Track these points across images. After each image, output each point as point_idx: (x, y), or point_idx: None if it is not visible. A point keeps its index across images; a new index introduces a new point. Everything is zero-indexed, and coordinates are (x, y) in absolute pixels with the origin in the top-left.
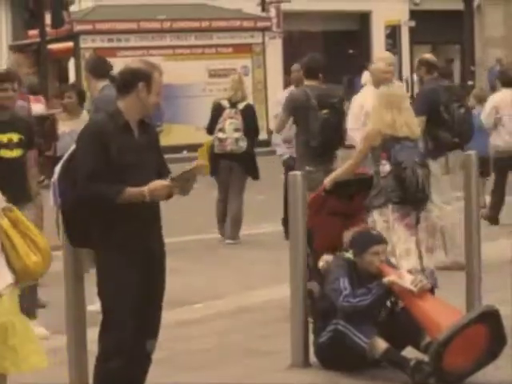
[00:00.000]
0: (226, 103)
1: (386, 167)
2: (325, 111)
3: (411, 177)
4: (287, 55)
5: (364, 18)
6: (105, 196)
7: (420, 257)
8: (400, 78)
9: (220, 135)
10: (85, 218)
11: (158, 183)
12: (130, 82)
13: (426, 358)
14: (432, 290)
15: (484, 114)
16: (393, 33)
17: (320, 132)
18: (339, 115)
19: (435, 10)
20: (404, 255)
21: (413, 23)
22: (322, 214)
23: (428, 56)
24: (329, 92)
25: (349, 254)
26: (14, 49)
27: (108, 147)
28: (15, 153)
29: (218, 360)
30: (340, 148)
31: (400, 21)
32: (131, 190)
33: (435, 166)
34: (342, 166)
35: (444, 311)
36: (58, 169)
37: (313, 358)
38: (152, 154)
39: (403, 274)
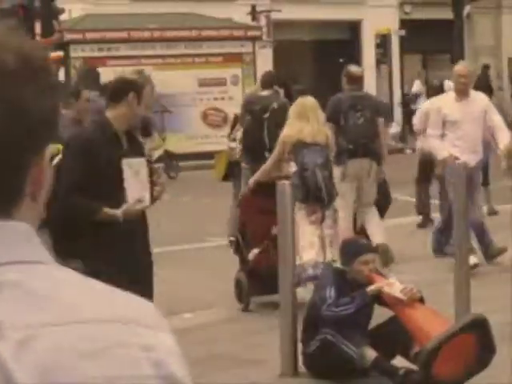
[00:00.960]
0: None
1: (292, 169)
2: (265, 115)
3: (311, 177)
4: (278, 64)
5: (354, 27)
6: (80, 212)
7: (323, 251)
8: (390, 87)
9: (231, 144)
10: (71, 229)
11: (130, 208)
12: (121, 91)
13: (415, 366)
14: (422, 300)
15: (415, 120)
16: (383, 42)
17: (244, 134)
18: (258, 120)
19: (425, 19)
20: (307, 248)
21: (403, 32)
22: (251, 211)
23: (352, 69)
24: (261, 99)
25: (337, 264)
26: None
27: (97, 158)
28: None
29: (208, 369)
30: (266, 149)
31: (390, 30)
32: (107, 212)
33: (336, 171)
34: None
35: (433, 320)
36: None
37: (302, 367)
38: None
39: (393, 282)
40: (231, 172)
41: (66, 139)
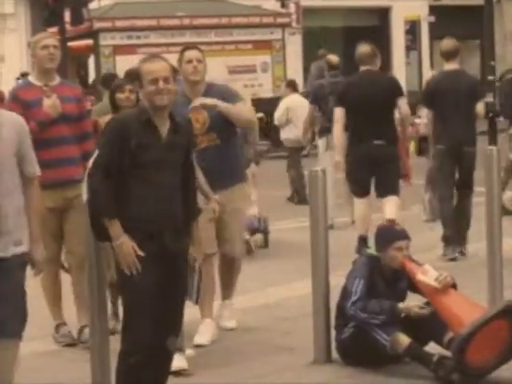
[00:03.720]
0: None
1: None
2: None
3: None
4: (307, 51)
5: (384, 14)
6: (98, 201)
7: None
8: (420, 73)
9: None
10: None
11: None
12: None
13: (448, 353)
14: (454, 286)
15: (278, 114)
16: (412, 28)
17: None
18: None
19: (455, 6)
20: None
21: (432, 18)
22: None
23: (331, 57)
24: None
25: (371, 250)
26: None
27: (129, 143)
28: None
29: (239, 357)
30: None
31: (420, 16)
32: (114, 226)
33: (320, 142)
34: None
35: (467, 307)
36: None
37: (335, 354)
38: (178, 154)
39: (427, 269)
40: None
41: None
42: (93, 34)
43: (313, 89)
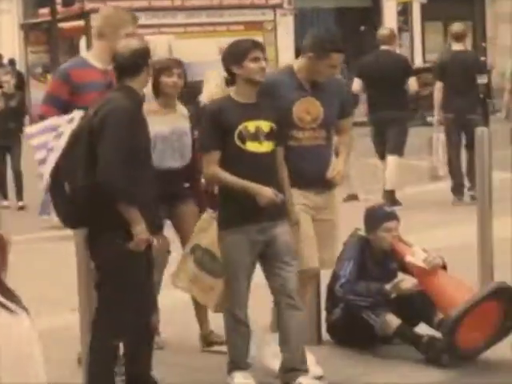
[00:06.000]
0: None
1: None
2: None
3: None
4: (298, 32)
5: None
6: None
7: None
8: (412, 55)
9: None
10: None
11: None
12: (139, 63)
13: (438, 334)
14: (445, 267)
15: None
16: (404, 10)
17: None
18: None
19: None
20: None
21: (424, 0)
22: None
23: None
24: None
25: (361, 232)
26: (25, 28)
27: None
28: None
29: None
30: None
31: None
32: (136, 216)
33: None
34: None
35: (457, 288)
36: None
37: (325, 335)
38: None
39: (416, 250)
40: None
41: None
42: (84, 15)
43: None
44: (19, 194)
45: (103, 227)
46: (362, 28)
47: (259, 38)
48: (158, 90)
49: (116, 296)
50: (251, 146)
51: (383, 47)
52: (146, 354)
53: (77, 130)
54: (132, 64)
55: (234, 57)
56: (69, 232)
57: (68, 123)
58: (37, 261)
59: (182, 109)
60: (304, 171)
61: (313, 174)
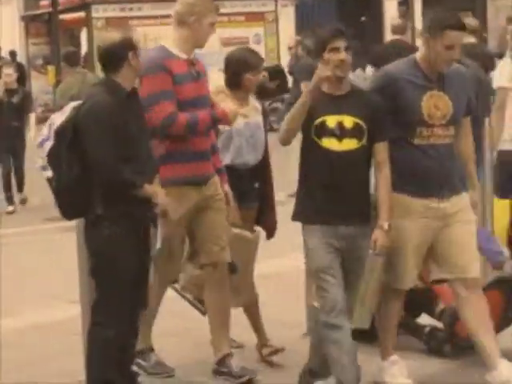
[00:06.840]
0: None
1: None
2: None
3: None
4: (300, 23)
5: None
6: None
7: None
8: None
9: None
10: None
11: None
12: (119, 56)
13: (440, 324)
14: None
15: None
16: (405, 0)
17: None
18: None
19: None
20: None
21: None
22: None
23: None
24: None
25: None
26: (25, 19)
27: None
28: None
29: (232, 329)
30: None
31: None
32: (150, 190)
33: None
34: None
35: None
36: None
37: None
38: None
39: None
40: None
41: None
42: (85, 6)
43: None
44: (20, 186)
45: (91, 215)
46: (363, 18)
47: (260, 29)
48: (238, 84)
49: (106, 284)
50: (327, 143)
51: (395, 36)
52: (132, 346)
53: (64, 124)
54: (111, 57)
55: (315, 48)
56: (69, 224)
57: (61, 115)
58: (38, 253)
59: (254, 102)
60: (430, 171)
61: (439, 176)
